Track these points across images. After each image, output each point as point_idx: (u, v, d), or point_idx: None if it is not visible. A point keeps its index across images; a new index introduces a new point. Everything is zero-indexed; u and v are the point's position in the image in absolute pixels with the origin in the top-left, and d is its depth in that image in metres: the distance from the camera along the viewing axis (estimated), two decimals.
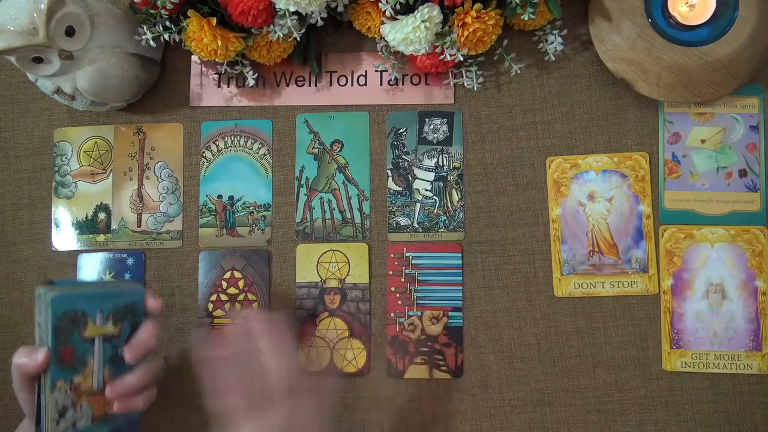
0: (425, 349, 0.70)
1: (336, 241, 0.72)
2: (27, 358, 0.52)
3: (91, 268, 0.74)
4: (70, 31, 0.64)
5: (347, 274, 0.72)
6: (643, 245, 0.70)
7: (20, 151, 0.76)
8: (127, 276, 0.73)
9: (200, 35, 0.65)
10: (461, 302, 0.71)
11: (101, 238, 0.74)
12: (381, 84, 0.74)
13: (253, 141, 0.74)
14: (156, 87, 0.75)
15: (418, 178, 0.73)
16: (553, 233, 0.71)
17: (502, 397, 0.70)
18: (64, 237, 0.75)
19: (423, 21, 0.64)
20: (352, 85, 0.74)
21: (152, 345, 0.58)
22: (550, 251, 0.71)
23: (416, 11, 0.64)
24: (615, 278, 0.70)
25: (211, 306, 0.72)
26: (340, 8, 0.68)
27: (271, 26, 0.67)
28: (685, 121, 0.71)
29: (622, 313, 0.70)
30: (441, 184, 0.72)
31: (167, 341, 0.72)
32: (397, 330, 0.71)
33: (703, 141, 0.70)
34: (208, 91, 0.75)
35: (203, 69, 0.75)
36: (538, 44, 0.71)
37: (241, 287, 0.72)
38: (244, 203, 0.74)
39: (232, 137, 0.75)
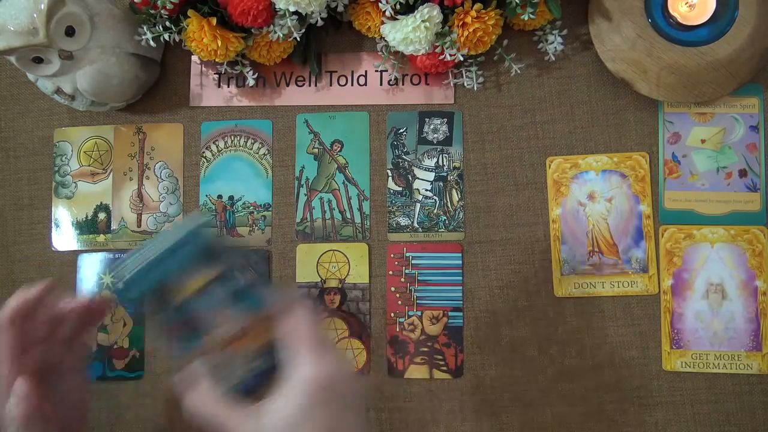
0: (425, 349, 0.70)
1: (336, 241, 0.72)
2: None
3: (91, 268, 0.74)
4: (70, 31, 0.64)
5: (347, 274, 0.72)
6: (643, 245, 0.70)
7: (20, 151, 0.76)
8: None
9: (200, 35, 0.65)
10: (461, 302, 0.71)
11: (101, 238, 0.74)
12: (381, 84, 0.74)
13: (253, 141, 0.74)
14: (156, 87, 0.75)
15: (418, 178, 0.73)
16: (553, 233, 0.71)
17: (502, 397, 0.70)
18: (64, 237, 0.75)
19: (423, 21, 0.64)
20: (352, 85, 0.74)
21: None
22: (550, 251, 0.71)
23: (416, 11, 0.64)
24: (615, 278, 0.70)
25: None
26: (340, 8, 0.68)
27: (271, 26, 0.67)
28: (685, 121, 0.71)
29: (622, 313, 0.70)
30: (441, 184, 0.72)
31: None
32: (397, 330, 0.71)
33: (703, 141, 0.70)
34: (208, 91, 0.75)
35: (203, 69, 0.75)
36: (538, 44, 0.71)
37: None
38: (244, 203, 0.74)
39: (232, 137, 0.75)
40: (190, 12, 0.65)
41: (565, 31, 0.70)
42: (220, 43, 0.65)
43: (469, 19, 0.65)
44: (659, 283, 0.69)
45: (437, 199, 0.72)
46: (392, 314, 0.71)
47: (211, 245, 0.46)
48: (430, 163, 0.73)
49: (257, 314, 0.47)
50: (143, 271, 0.44)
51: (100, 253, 0.74)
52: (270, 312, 0.46)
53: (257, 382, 0.47)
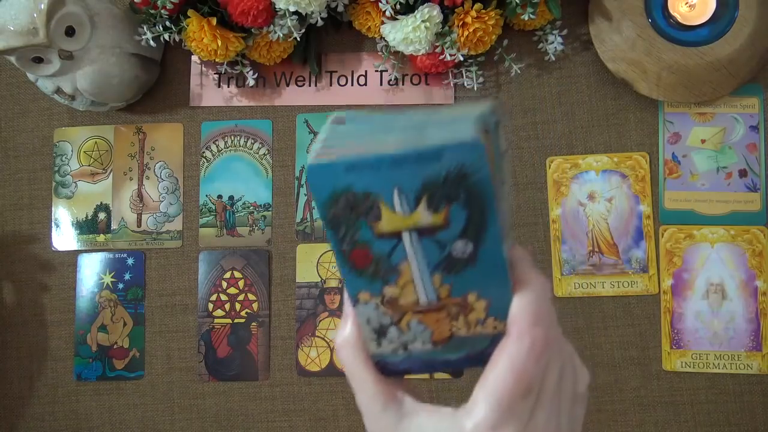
0: None
1: None
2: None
3: (91, 268, 0.74)
4: (70, 31, 0.64)
5: None
6: (643, 245, 0.70)
7: (20, 151, 0.76)
8: (127, 277, 0.73)
9: (200, 35, 0.65)
10: None
11: (101, 238, 0.74)
12: (381, 84, 0.74)
13: (253, 141, 0.74)
14: (156, 87, 0.75)
15: None
16: (553, 233, 0.71)
17: None
18: (64, 237, 0.75)
19: (423, 21, 0.64)
20: (352, 85, 0.74)
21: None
22: (550, 251, 0.71)
23: (416, 11, 0.64)
24: (615, 278, 0.70)
25: (211, 306, 0.72)
26: (340, 8, 0.68)
27: (271, 26, 0.67)
28: (685, 121, 0.71)
29: (622, 313, 0.70)
30: None
31: None
32: None
33: (703, 141, 0.70)
34: (208, 91, 0.75)
35: (203, 69, 0.75)
36: (538, 44, 0.71)
37: (241, 287, 0.72)
38: (244, 203, 0.74)
39: (232, 137, 0.75)
40: (190, 12, 0.65)
41: (565, 31, 0.70)
42: (220, 43, 0.65)
43: (469, 19, 0.65)
44: (659, 283, 0.69)
45: None
46: None
47: (461, 178, 0.29)
48: None
49: (480, 305, 0.35)
50: (365, 162, 0.29)
51: (100, 253, 0.74)
52: (503, 323, 0.35)
53: (413, 369, 0.37)
